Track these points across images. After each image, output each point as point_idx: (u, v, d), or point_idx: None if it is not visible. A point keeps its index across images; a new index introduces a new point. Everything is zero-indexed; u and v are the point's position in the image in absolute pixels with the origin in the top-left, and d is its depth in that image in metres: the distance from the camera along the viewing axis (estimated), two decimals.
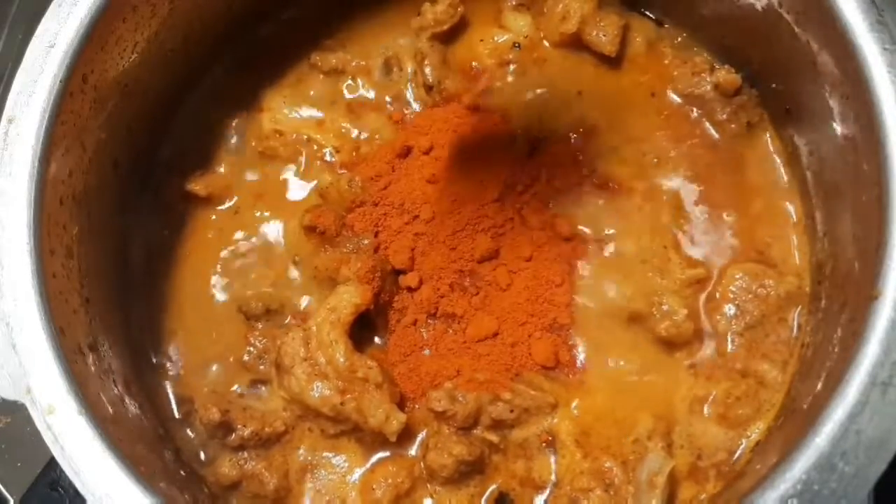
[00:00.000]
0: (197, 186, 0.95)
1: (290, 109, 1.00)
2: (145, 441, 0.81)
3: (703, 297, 0.89)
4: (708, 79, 0.95)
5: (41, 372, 0.72)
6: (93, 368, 0.78)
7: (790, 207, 0.92)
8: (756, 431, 0.85)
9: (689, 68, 0.96)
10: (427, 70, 0.98)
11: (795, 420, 0.78)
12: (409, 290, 0.91)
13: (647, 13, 1.00)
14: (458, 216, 0.91)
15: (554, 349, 0.88)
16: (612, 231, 0.92)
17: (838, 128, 0.80)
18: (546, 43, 1.00)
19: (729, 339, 0.88)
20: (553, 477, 0.85)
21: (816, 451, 0.66)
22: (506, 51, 0.99)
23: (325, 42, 1.02)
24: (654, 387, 0.87)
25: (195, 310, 0.93)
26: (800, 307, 0.88)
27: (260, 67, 1.01)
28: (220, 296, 0.93)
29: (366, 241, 0.92)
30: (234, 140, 0.99)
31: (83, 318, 0.80)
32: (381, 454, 0.86)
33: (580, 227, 0.92)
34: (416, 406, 0.88)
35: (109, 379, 0.81)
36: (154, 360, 0.92)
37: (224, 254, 0.95)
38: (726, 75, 0.94)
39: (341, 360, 0.84)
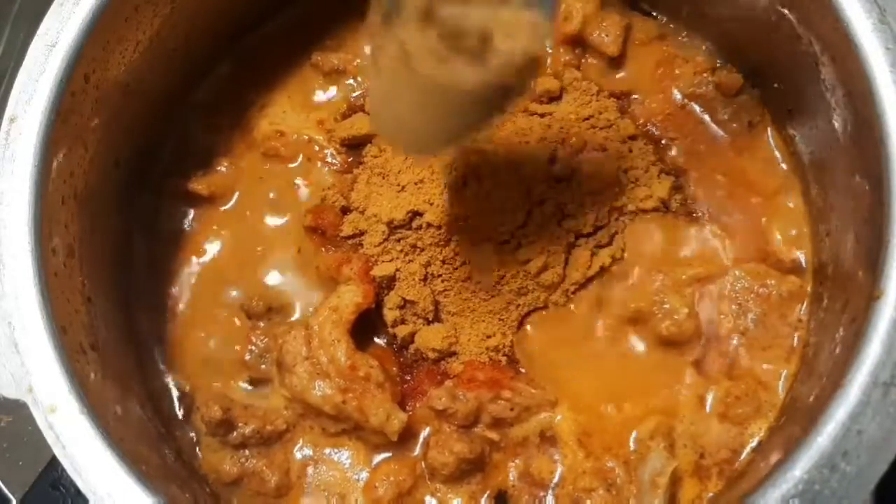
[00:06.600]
0: (199, 186, 0.95)
1: (292, 109, 1.00)
2: (147, 440, 0.81)
3: (704, 295, 0.89)
4: (710, 78, 0.95)
5: (43, 371, 0.72)
6: (94, 367, 0.78)
7: (792, 207, 0.92)
8: (758, 431, 0.85)
9: (691, 68, 0.96)
10: None
11: (797, 419, 0.78)
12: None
13: (650, 13, 1.00)
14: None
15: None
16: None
17: (840, 128, 0.80)
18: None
19: (730, 339, 0.88)
20: (555, 476, 0.85)
21: (818, 451, 0.66)
22: None
23: (327, 42, 1.02)
24: (656, 386, 0.87)
25: (196, 308, 0.93)
26: (801, 307, 0.88)
27: (261, 67, 1.01)
28: (222, 294, 0.93)
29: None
30: (235, 140, 0.99)
31: (85, 317, 0.80)
32: (382, 452, 0.87)
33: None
34: (418, 405, 0.88)
35: (111, 378, 0.81)
36: (156, 359, 0.92)
37: (225, 253, 0.95)
38: (728, 75, 0.94)
39: (343, 359, 0.84)
